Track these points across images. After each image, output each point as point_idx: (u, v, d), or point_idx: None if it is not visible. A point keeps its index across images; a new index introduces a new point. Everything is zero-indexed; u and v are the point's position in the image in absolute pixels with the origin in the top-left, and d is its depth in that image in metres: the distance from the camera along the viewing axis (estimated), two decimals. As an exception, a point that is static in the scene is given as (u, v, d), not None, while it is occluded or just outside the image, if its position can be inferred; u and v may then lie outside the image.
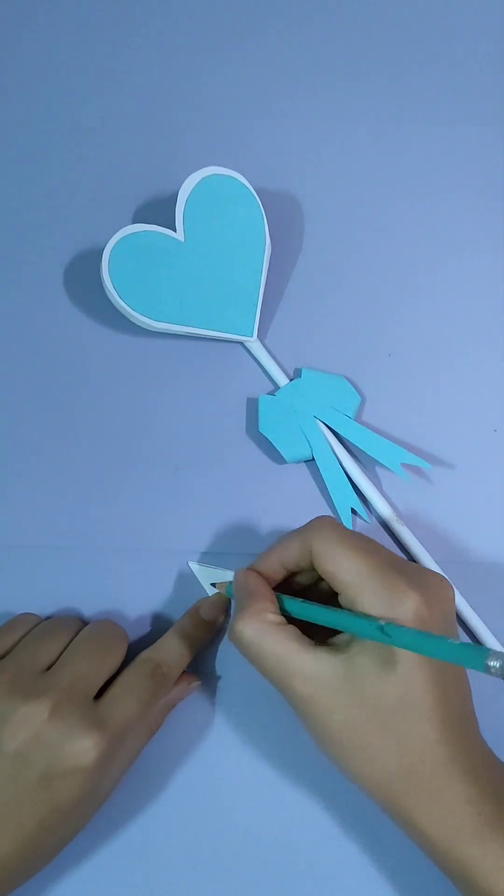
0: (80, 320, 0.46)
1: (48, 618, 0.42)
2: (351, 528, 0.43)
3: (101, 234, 0.44)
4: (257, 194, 0.45)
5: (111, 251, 0.43)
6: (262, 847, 0.41)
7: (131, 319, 0.44)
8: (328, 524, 0.38)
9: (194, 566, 0.43)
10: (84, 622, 0.42)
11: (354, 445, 0.44)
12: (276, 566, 0.40)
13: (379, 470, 0.45)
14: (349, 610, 0.36)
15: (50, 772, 0.35)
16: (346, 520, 0.43)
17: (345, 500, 0.44)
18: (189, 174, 0.44)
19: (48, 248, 0.47)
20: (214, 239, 0.44)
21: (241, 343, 0.45)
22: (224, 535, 0.44)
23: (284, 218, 0.47)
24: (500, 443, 0.45)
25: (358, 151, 0.48)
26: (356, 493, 0.44)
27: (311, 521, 0.39)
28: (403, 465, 0.44)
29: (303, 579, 0.41)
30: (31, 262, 0.47)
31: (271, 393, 0.45)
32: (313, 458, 0.44)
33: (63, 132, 0.48)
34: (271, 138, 0.48)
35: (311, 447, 0.44)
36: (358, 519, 0.44)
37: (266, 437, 0.44)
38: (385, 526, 0.44)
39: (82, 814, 0.37)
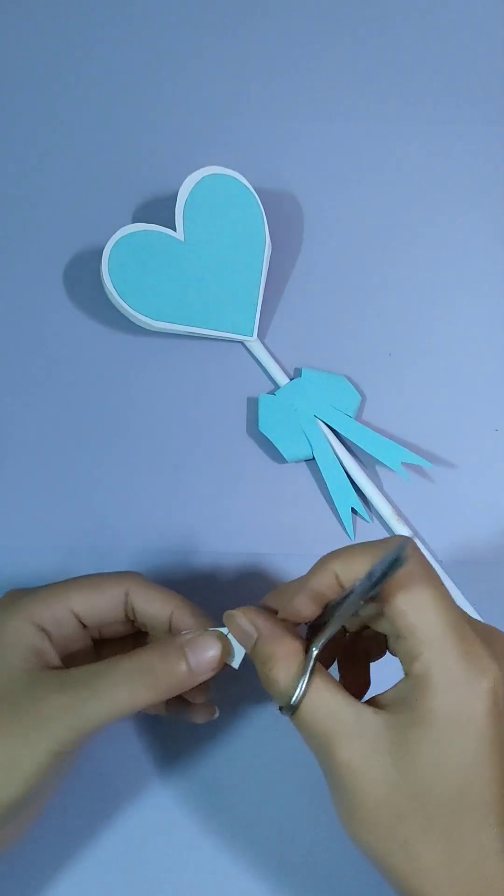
0: (80, 320, 0.46)
1: None
2: (351, 527, 0.43)
3: (101, 233, 0.44)
4: (257, 194, 0.45)
5: (111, 251, 0.43)
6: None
7: (131, 319, 0.44)
8: (415, 551, 0.31)
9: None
10: None
11: (355, 445, 0.44)
12: (306, 602, 0.33)
13: (379, 469, 0.45)
14: (408, 654, 0.30)
15: None
16: (347, 519, 0.43)
17: (345, 500, 0.43)
18: (189, 174, 0.44)
19: (48, 248, 0.47)
20: (214, 239, 0.44)
21: (241, 343, 0.45)
22: (224, 535, 0.44)
23: (284, 218, 0.47)
24: (500, 442, 0.45)
25: (358, 151, 0.48)
26: (357, 493, 0.44)
27: (387, 539, 0.33)
28: (404, 464, 0.44)
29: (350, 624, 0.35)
30: (31, 262, 0.46)
31: (271, 392, 0.45)
32: (314, 458, 0.44)
33: (63, 132, 0.48)
34: (271, 138, 0.48)
35: (311, 446, 0.44)
36: (358, 518, 0.44)
37: (266, 437, 0.44)
38: (385, 525, 0.44)
39: None
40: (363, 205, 0.48)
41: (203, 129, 0.48)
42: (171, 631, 0.36)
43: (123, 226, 0.44)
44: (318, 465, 0.44)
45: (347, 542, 0.43)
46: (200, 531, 0.44)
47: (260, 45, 0.49)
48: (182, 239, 0.44)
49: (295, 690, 0.30)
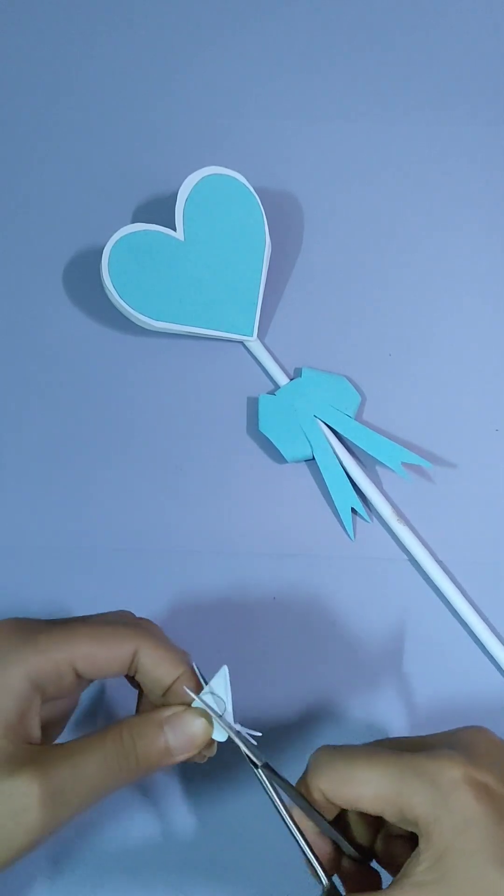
0: (80, 320, 0.46)
1: None
2: (351, 527, 0.43)
3: (101, 233, 0.44)
4: (257, 194, 0.45)
5: (111, 250, 0.43)
6: None
7: (131, 319, 0.44)
8: (324, 754, 0.32)
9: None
10: None
11: (355, 445, 0.44)
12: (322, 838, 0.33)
13: (379, 469, 0.45)
14: (405, 824, 0.30)
15: None
16: (347, 519, 0.43)
17: (345, 500, 0.43)
18: (189, 174, 0.44)
19: (48, 248, 0.47)
20: (214, 238, 0.44)
21: (241, 342, 0.45)
22: (224, 535, 0.44)
23: (284, 218, 0.47)
24: (501, 442, 0.45)
25: (358, 152, 0.48)
26: (357, 493, 0.44)
27: (309, 760, 0.33)
28: (404, 464, 0.44)
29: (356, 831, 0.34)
30: (31, 262, 0.47)
31: (271, 392, 0.45)
32: (314, 458, 0.44)
33: (63, 132, 0.48)
34: (271, 138, 0.48)
35: (311, 446, 0.44)
36: (358, 518, 0.44)
37: (266, 437, 0.44)
38: (385, 525, 0.44)
39: None
40: (363, 205, 0.48)
41: (203, 129, 0.48)
42: (168, 696, 0.34)
43: (123, 226, 0.44)
44: (318, 465, 0.44)
45: (348, 543, 0.44)
46: (200, 531, 0.44)
47: (260, 46, 0.49)
48: (182, 239, 0.44)
49: None
